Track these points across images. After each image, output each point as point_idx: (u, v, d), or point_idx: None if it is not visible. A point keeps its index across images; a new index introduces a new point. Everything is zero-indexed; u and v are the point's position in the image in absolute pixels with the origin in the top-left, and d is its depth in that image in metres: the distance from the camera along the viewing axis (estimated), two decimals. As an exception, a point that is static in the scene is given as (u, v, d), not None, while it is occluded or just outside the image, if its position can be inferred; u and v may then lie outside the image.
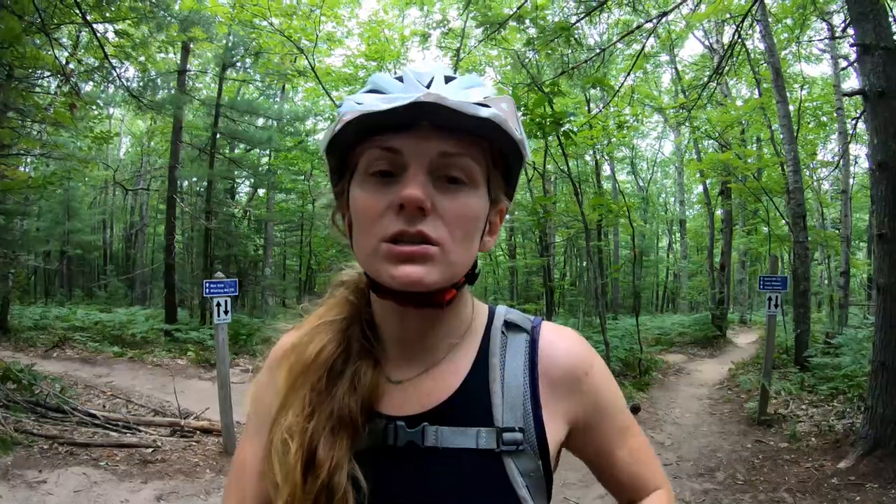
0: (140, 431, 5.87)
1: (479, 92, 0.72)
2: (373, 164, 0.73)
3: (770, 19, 10.89)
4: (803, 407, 7.06)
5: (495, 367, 0.79)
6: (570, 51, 9.56)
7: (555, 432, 0.79)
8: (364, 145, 0.73)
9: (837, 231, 14.85)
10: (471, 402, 0.77)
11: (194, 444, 5.74)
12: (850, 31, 5.85)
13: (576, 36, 8.30)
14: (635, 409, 7.42)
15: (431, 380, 0.80)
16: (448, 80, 0.73)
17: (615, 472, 0.88)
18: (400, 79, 0.74)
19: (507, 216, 0.86)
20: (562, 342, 0.83)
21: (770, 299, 6.92)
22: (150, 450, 5.35)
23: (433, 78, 0.73)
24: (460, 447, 0.74)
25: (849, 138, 11.72)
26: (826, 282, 19.51)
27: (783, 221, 14.08)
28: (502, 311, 0.86)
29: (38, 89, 8.24)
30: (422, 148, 0.70)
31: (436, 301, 0.75)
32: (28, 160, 11.39)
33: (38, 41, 6.86)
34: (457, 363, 0.80)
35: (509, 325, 0.84)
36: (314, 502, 0.71)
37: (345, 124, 0.71)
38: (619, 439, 0.86)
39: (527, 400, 0.77)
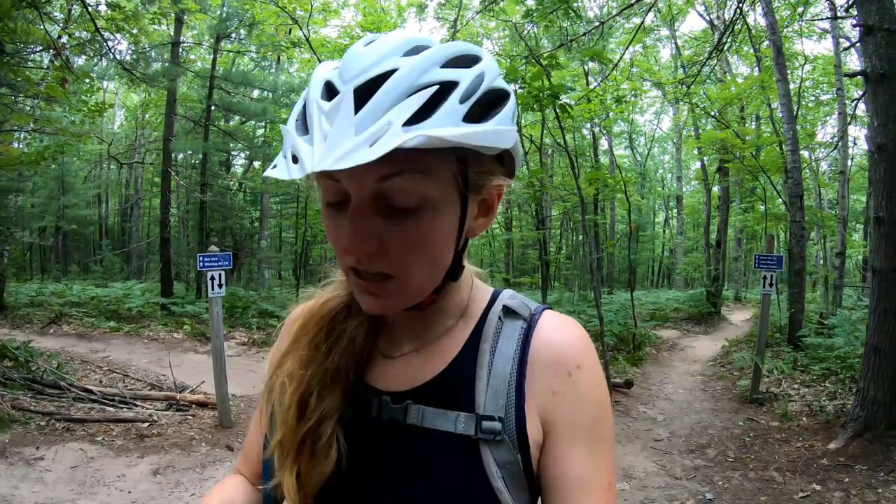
0: (136, 406, 5.89)
1: (416, 99, 0.61)
2: (324, 191, 0.70)
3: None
4: (795, 386, 7.13)
5: (485, 352, 0.76)
6: (568, 23, 9.46)
7: (535, 428, 0.74)
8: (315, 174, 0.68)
9: (834, 212, 14.86)
10: (455, 385, 0.76)
11: (190, 417, 5.77)
12: (854, 10, 5.77)
13: (574, 8, 8.19)
14: (629, 384, 7.49)
15: (420, 359, 0.79)
16: (365, 92, 0.61)
17: None
18: (332, 90, 0.64)
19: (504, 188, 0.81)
20: (556, 332, 0.77)
21: (765, 278, 6.95)
22: (146, 424, 5.38)
23: (340, 107, 0.61)
24: (440, 429, 0.73)
25: (848, 119, 11.67)
26: (821, 262, 19.60)
27: (780, 200, 14.08)
28: (505, 296, 0.82)
29: (29, 64, 8.11)
30: (357, 179, 0.65)
31: (413, 308, 0.76)
32: (21, 136, 11.27)
33: (29, 16, 6.75)
34: (447, 345, 0.79)
35: (508, 311, 0.80)
36: (300, 443, 0.75)
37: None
38: (575, 480, 0.72)
39: (511, 389, 0.74)
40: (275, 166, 0.64)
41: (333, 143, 0.59)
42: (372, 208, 0.66)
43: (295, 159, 0.62)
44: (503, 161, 0.74)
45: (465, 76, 0.64)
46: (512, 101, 0.70)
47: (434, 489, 0.72)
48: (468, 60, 0.67)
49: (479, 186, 0.72)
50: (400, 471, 0.74)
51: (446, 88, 0.63)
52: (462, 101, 0.63)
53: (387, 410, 0.76)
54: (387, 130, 0.58)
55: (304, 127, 0.64)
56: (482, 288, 0.85)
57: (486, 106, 0.66)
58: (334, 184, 0.67)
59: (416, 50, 0.65)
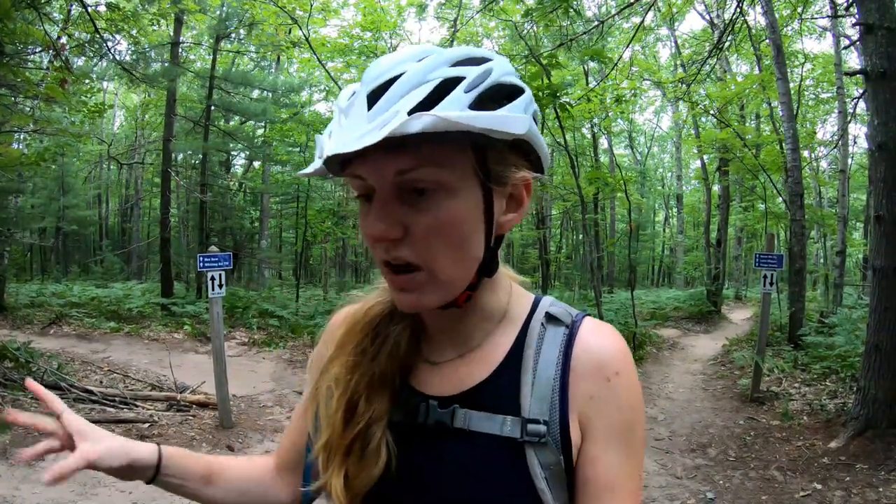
0: (137, 407, 5.89)
1: (423, 90, 0.65)
2: (354, 189, 0.74)
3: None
4: (796, 385, 7.13)
5: (529, 357, 0.78)
6: (568, 22, 9.44)
7: (576, 431, 0.76)
8: (344, 172, 0.72)
9: (834, 210, 14.85)
10: (501, 389, 0.78)
11: (190, 418, 5.78)
12: (854, 9, 5.77)
13: (574, 7, 8.18)
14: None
15: (466, 364, 0.81)
16: (379, 93, 0.66)
17: None
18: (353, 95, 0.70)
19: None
20: (597, 339, 0.79)
21: (765, 277, 6.95)
22: (146, 425, 5.39)
23: (354, 103, 0.67)
24: (486, 432, 0.75)
25: (848, 118, 11.67)
26: (821, 261, 19.57)
27: (780, 199, 14.09)
28: (546, 303, 0.84)
29: (29, 65, 8.11)
30: (378, 172, 0.69)
31: (448, 306, 0.77)
32: (21, 136, 11.27)
33: (28, 16, 6.75)
34: (492, 351, 0.81)
35: (550, 318, 0.81)
36: (348, 447, 0.78)
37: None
38: (605, 482, 0.75)
39: (555, 393, 0.76)
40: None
41: (348, 131, 0.65)
42: (394, 196, 0.69)
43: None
44: (525, 153, 0.75)
45: (471, 72, 0.67)
46: (526, 96, 0.72)
47: (480, 490, 0.74)
48: (477, 60, 0.70)
49: (503, 178, 0.74)
50: (447, 472, 0.76)
51: (453, 82, 0.66)
52: (467, 91, 0.66)
53: (434, 414, 0.78)
54: (395, 116, 0.62)
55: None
56: (522, 294, 0.87)
57: (492, 98, 0.68)
58: (361, 182, 0.71)
59: (427, 56, 0.69)
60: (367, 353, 0.82)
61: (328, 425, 0.80)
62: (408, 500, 0.77)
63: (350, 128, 0.65)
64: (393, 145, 0.63)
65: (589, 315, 0.83)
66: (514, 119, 0.68)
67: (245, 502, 0.96)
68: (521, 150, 0.74)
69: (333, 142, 0.66)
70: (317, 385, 0.84)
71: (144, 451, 0.87)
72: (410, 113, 0.62)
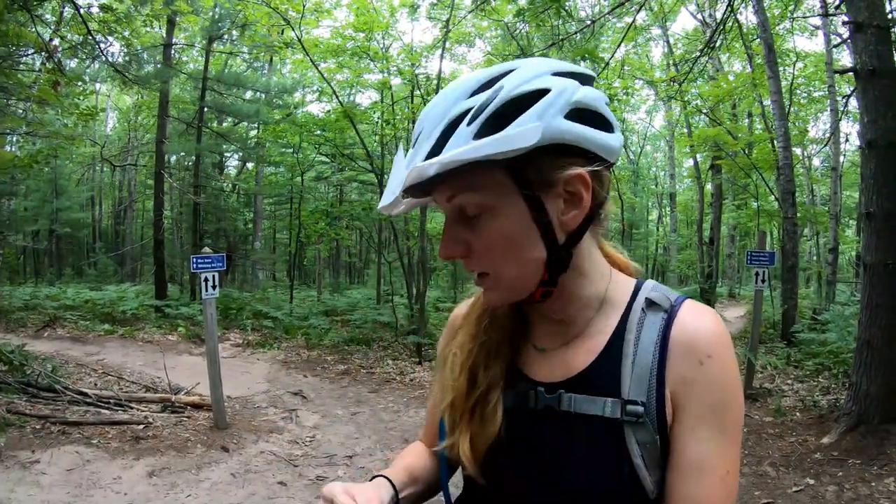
0: (131, 408, 5.87)
1: (433, 138, 0.75)
2: None
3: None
4: (789, 382, 7.16)
5: (629, 342, 0.82)
6: (560, 22, 9.46)
7: (671, 412, 0.79)
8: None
9: (827, 208, 14.92)
10: (603, 374, 0.83)
11: (185, 419, 5.76)
12: (844, 7, 5.80)
13: (566, 7, 8.20)
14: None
15: (571, 351, 0.87)
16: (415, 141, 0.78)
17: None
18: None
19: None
20: (692, 323, 0.81)
21: (757, 274, 6.97)
22: (141, 426, 5.37)
23: (398, 155, 0.82)
24: (589, 414, 0.81)
25: (840, 116, 11.73)
26: (814, 258, 19.65)
27: (773, 197, 14.14)
28: (647, 288, 0.87)
29: (21, 67, 8.08)
30: (440, 201, 0.81)
31: (526, 302, 0.86)
32: (13, 139, 11.22)
33: (20, 18, 6.72)
34: (594, 337, 0.86)
35: (650, 303, 0.85)
36: (472, 409, 0.87)
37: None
38: (691, 464, 0.78)
39: (653, 376, 0.80)
40: None
41: (386, 191, 0.80)
42: (456, 218, 0.81)
43: None
44: (568, 151, 0.76)
45: (477, 101, 0.74)
46: (542, 102, 0.73)
47: (584, 465, 0.80)
48: (491, 82, 0.75)
49: (549, 182, 0.77)
50: (556, 450, 0.83)
51: (459, 119, 0.74)
52: (469, 124, 0.73)
53: (542, 400, 0.85)
54: (408, 174, 0.74)
55: None
56: (622, 280, 0.90)
57: (500, 118, 0.72)
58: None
59: (449, 92, 0.79)
60: (482, 322, 0.92)
61: (452, 388, 0.89)
62: (523, 475, 0.84)
63: (388, 188, 0.80)
64: (442, 176, 0.73)
65: (689, 298, 0.86)
66: (516, 135, 0.70)
67: (431, 483, 1.03)
68: (562, 149, 0.75)
69: (385, 193, 0.81)
70: (444, 351, 0.96)
71: (389, 485, 0.93)
72: (423, 160, 0.74)
